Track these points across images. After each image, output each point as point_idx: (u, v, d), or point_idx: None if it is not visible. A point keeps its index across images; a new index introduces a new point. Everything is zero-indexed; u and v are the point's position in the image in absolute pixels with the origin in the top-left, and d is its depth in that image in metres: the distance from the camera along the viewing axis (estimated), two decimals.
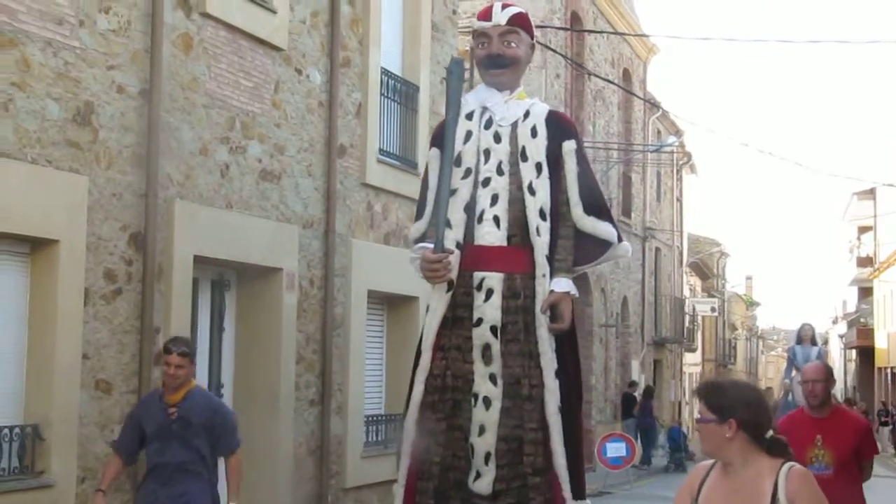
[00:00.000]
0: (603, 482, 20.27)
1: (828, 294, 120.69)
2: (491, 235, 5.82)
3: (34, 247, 7.91)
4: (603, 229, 5.97)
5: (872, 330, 49.68)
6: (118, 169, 8.53)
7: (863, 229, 51.81)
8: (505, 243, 5.82)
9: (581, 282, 25.41)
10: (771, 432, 4.17)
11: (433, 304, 5.89)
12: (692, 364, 46.87)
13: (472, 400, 5.74)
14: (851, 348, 58.72)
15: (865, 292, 53.73)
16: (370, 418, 12.59)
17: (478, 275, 5.81)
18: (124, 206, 8.60)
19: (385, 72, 12.84)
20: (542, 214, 5.80)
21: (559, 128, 6.02)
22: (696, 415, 4.30)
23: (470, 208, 5.84)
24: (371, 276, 12.12)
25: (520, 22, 6.09)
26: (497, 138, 5.94)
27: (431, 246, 5.75)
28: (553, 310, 5.78)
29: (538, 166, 5.86)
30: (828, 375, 7.33)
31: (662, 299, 35.82)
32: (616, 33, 27.15)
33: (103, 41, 8.41)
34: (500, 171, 5.87)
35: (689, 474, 4.42)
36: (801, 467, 4.14)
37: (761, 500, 4.02)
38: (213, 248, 9.62)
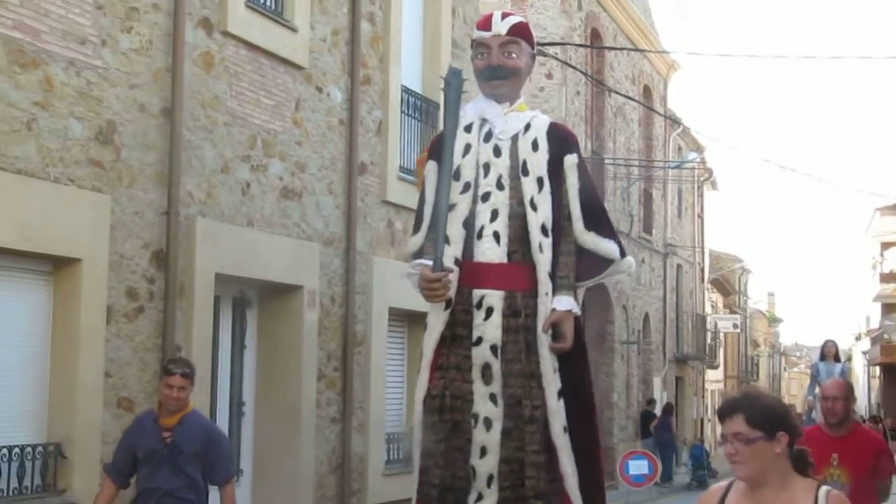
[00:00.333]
0: (625, 500, 20.20)
1: (851, 310, 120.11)
2: (491, 252, 5.66)
3: (57, 265, 7.94)
4: (604, 246, 5.82)
5: None
6: (140, 187, 8.56)
7: (886, 245, 51.48)
8: (505, 260, 5.66)
9: (602, 299, 25.51)
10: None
11: (431, 322, 5.74)
12: (714, 381, 46.64)
13: (472, 421, 5.58)
14: (875, 365, 58.27)
15: (889, 308, 53.34)
16: (391, 436, 12.57)
17: (477, 292, 5.65)
18: (146, 225, 8.63)
19: (405, 89, 12.87)
20: (544, 230, 5.65)
21: (560, 141, 5.87)
22: (727, 434, 3.76)
23: (469, 224, 5.69)
24: (392, 293, 12.12)
25: (520, 32, 5.94)
26: (497, 152, 5.78)
27: (430, 263, 5.60)
28: (555, 329, 5.61)
29: (539, 181, 5.70)
30: (848, 393, 7.14)
31: (684, 316, 35.68)
32: (636, 50, 27.14)
33: (125, 60, 8.46)
34: (500, 186, 5.71)
35: (700, 501, 3.99)
36: (837, 492, 3.81)
37: None
38: (234, 265, 9.64)
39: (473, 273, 5.65)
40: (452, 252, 5.62)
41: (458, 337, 5.67)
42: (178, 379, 6.82)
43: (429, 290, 5.57)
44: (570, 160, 5.82)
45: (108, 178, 8.23)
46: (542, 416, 5.53)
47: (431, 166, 5.92)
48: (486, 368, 5.57)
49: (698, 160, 35.54)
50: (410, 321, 13.10)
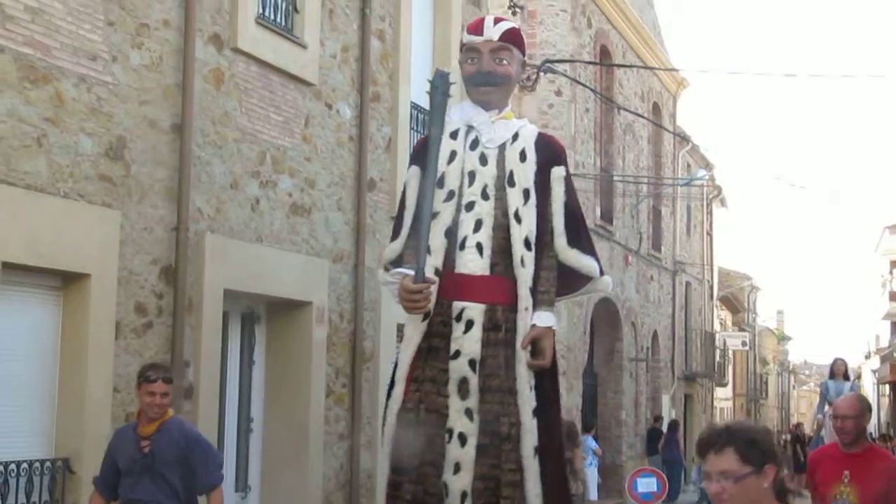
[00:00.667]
0: None
1: (860, 328, 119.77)
2: (473, 263, 5.48)
3: (66, 281, 7.95)
4: (586, 263, 5.70)
5: None
6: (150, 203, 8.58)
7: (895, 263, 51.39)
8: (487, 272, 5.49)
9: (611, 316, 25.49)
10: None
11: (408, 333, 5.59)
12: (723, 399, 46.54)
13: (447, 436, 5.39)
14: (884, 383, 58.06)
15: None
16: None
17: (457, 304, 5.48)
18: (155, 240, 8.64)
19: (415, 106, 12.89)
20: (527, 244, 5.49)
21: (549, 153, 5.73)
22: (712, 472, 3.48)
23: (452, 233, 5.52)
24: (400, 309, 12.04)
25: (512, 38, 5.78)
26: (483, 160, 5.61)
27: (410, 272, 5.42)
28: (534, 345, 5.46)
29: (525, 193, 5.55)
30: (861, 411, 6.74)
31: (693, 333, 35.61)
32: (646, 67, 27.16)
33: (136, 76, 8.48)
34: (485, 196, 5.54)
35: None
36: None
37: None
38: (243, 281, 9.65)
39: (454, 284, 5.49)
40: (433, 262, 5.46)
41: (435, 349, 5.50)
42: (160, 385, 6.66)
43: (409, 302, 5.42)
44: (558, 172, 5.69)
45: (117, 193, 8.25)
46: (517, 434, 5.40)
47: (414, 171, 5.76)
48: (463, 383, 5.40)
49: (707, 177, 35.53)
50: None
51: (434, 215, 5.46)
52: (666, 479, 21.69)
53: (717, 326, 43.65)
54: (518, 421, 5.39)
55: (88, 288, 7.93)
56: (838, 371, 14.69)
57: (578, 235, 5.71)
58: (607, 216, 24.84)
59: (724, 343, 44.10)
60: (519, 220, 5.50)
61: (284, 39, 10.39)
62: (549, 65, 20.38)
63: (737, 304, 51.33)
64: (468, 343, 5.42)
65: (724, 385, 45.95)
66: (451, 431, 5.39)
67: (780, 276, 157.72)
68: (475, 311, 5.45)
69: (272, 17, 10.37)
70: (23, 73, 7.43)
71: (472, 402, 5.40)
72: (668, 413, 30.20)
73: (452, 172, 5.58)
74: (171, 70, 8.85)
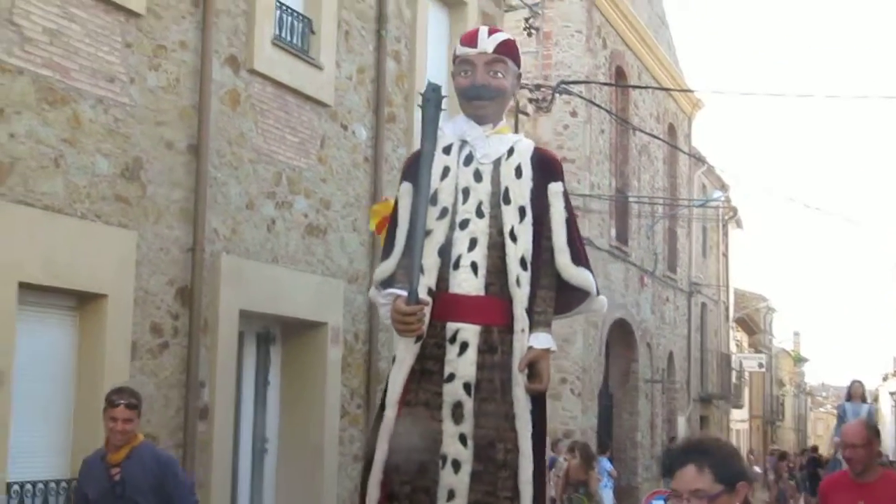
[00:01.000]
0: None
1: (878, 350, 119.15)
2: (467, 283, 5.24)
3: (82, 301, 7.98)
4: (588, 280, 5.46)
5: None
6: (166, 224, 8.61)
7: None
8: (482, 292, 5.25)
9: (627, 337, 25.42)
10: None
11: (399, 355, 5.35)
12: (739, 420, 46.32)
13: (440, 462, 5.15)
14: None
15: None
16: None
17: (451, 326, 5.23)
18: (171, 261, 8.67)
19: None
20: (522, 263, 5.26)
21: (545, 168, 5.50)
22: (682, 490, 3.29)
23: (445, 252, 5.27)
24: None
25: (507, 50, 5.55)
26: (478, 177, 5.38)
27: (403, 293, 5.18)
28: (531, 368, 5.23)
29: (521, 210, 5.32)
30: (869, 438, 6.44)
31: (709, 355, 35.49)
32: (661, 88, 27.16)
33: (153, 98, 8.53)
34: (479, 213, 5.31)
35: None
36: None
37: None
38: (258, 302, 9.66)
39: (448, 305, 5.25)
40: (426, 282, 5.22)
41: (428, 372, 5.26)
42: (122, 410, 6.33)
43: (402, 324, 5.18)
44: (556, 188, 5.46)
45: (133, 214, 8.28)
46: (514, 460, 5.18)
47: (406, 188, 5.51)
48: (458, 407, 5.16)
49: (723, 199, 35.46)
50: None
51: (427, 233, 5.24)
52: None
53: (733, 348, 43.50)
54: (515, 447, 5.19)
55: (105, 308, 7.96)
56: (856, 393, 14.63)
57: (579, 253, 5.50)
58: (623, 237, 24.82)
59: (740, 365, 43.93)
60: (514, 239, 5.29)
61: (300, 61, 10.43)
62: (564, 86, 20.39)
63: (753, 325, 51.15)
64: (462, 366, 5.20)
65: (741, 407, 45.74)
66: (444, 457, 5.16)
67: (796, 298, 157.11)
68: (470, 332, 5.23)
69: (288, 38, 10.41)
70: (41, 95, 7.48)
71: (467, 427, 5.17)
72: (683, 435, 30.07)
73: (446, 189, 5.37)
74: (188, 91, 8.90)
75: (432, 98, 5.39)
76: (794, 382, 71.80)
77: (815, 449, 34.39)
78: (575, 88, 20.71)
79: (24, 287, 7.30)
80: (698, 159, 33.07)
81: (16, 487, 7.36)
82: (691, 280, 32.45)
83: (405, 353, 5.31)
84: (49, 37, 7.56)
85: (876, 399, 53.65)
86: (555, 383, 21.33)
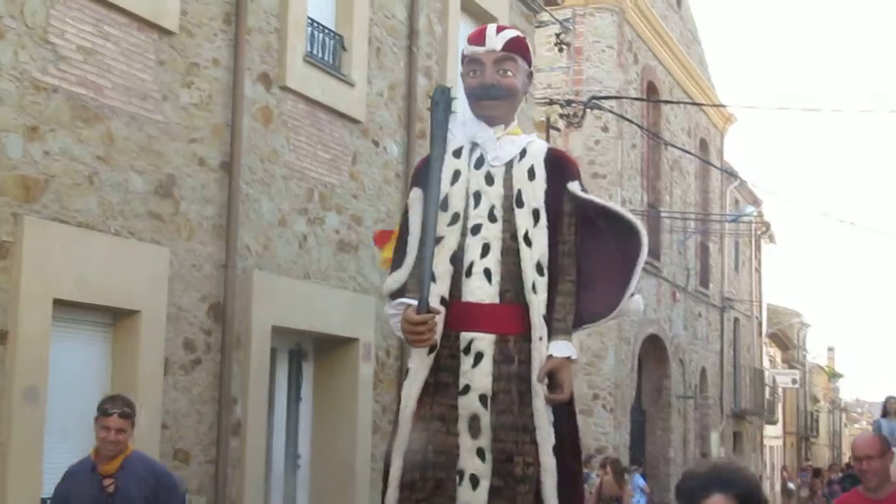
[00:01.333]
0: None
1: None
2: (481, 291, 5.01)
3: (116, 317, 8.02)
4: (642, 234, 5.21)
5: None
6: (198, 240, 8.65)
7: None
8: (497, 300, 5.02)
9: (659, 353, 25.33)
10: None
11: (413, 368, 5.10)
12: (773, 437, 46.01)
13: (457, 478, 4.93)
14: None
15: None
16: None
17: (465, 335, 5.00)
18: (204, 277, 8.70)
19: None
20: (538, 268, 5.01)
21: (560, 169, 5.22)
22: None
23: (457, 259, 5.04)
24: None
25: (517, 47, 5.28)
26: (489, 180, 5.14)
27: (413, 302, 4.97)
28: (551, 378, 4.96)
29: (535, 213, 5.06)
30: (883, 450, 6.08)
31: (742, 370, 35.28)
32: (692, 104, 27.09)
33: (185, 115, 8.57)
34: (492, 218, 5.07)
35: None
36: None
37: None
38: (290, 318, 9.68)
39: (461, 314, 5.01)
40: (438, 290, 4.99)
41: (442, 384, 5.01)
42: (115, 420, 6.06)
43: (413, 334, 4.93)
44: (575, 186, 5.18)
45: (166, 230, 8.32)
46: (534, 474, 4.91)
47: (416, 195, 5.26)
48: (474, 420, 4.93)
49: (755, 213, 35.31)
50: None
51: (438, 240, 5.02)
52: None
53: (766, 363, 43.23)
54: (535, 461, 4.92)
55: (138, 324, 8.00)
56: (891, 409, 14.46)
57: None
58: (655, 252, 24.72)
59: (774, 380, 43.66)
60: (529, 243, 5.02)
61: (332, 77, 10.47)
62: (595, 101, 20.38)
63: (786, 340, 50.84)
64: (478, 377, 4.95)
65: (774, 423, 45.45)
66: (461, 473, 4.93)
67: (830, 313, 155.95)
68: (485, 342, 4.98)
69: (320, 55, 10.45)
70: (75, 113, 7.53)
71: (484, 441, 4.93)
72: (716, 451, 29.89)
73: (456, 194, 5.13)
74: (220, 108, 8.94)
75: (441, 100, 5.23)
76: (828, 398, 71.26)
77: (849, 465, 34.11)
78: (606, 104, 20.69)
79: (59, 304, 7.34)
80: (730, 174, 32.92)
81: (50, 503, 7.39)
82: (724, 295, 32.29)
83: (418, 365, 5.08)
84: (83, 55, 7.62)
85: None
86: (587, 399, 21.27)
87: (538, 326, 4.97)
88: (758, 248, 39.99)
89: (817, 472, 32.98)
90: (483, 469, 4.91)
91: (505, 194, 5.10)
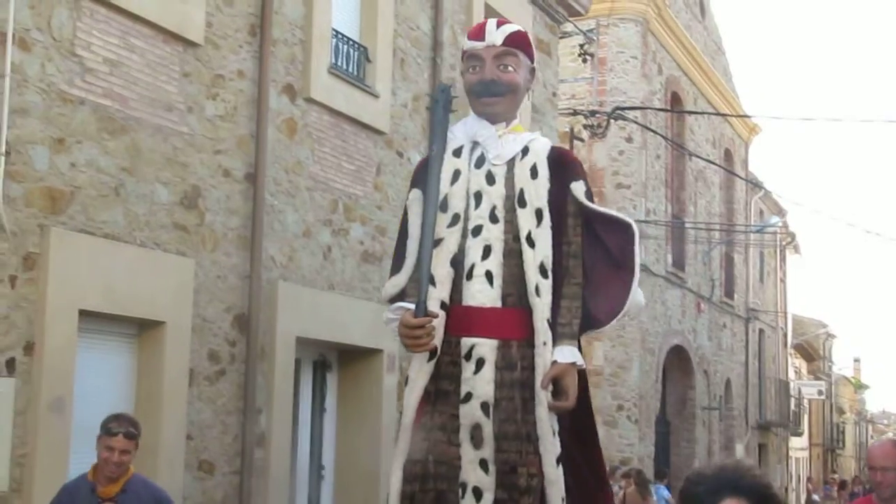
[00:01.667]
0: None
1: None
2: (482, 294, 4.81)
3: (141, 328, 8.05)
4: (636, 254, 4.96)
5: None
6: (223, 251, 8.67)
7: None
8: (499, 304, 4.82)
9: (684, 364, 25.26)
10: None
11: (412, 375, 4.92)
12: (799, 448, 45.76)
13: (460, 490, 4.74)
14: None
15: None
16: None
17: (466, 341, 4.81)
18: (229, 288, 8.72)
19: None
20: (542, 270, 4.79)
21: (564, 168, 5.02)
22: None
23: (458, 262, 4.86)
24: None
25: (518, 42, 5.11)
26: (490, 179, 4.94)
27: (412, 307, 4.81)
28: (555, 384, 4.75)
29: (538, 213, 4.86)
30: None
31: (767, 382, 35.13)
32: (717, 114, 27.02)
33: (210, 126, 8.61)
34: (493, 219, 4.87)
35: None
36: None
37: None
38: (315, 329, 9.69)
39: (462, 319, 4.83)
40: (438, 294, 4.80)
41: (443, 392, 4.83)
42: (120, 440, 5.86)
43: (411, 339, 4.77)
44: (578, 187, 4.96)
45: (192, 242, 8.35)
46: (538, 486, 4.69)
47: (415, 195, 5.10)
48: (476, 429, 4.72)
49: (780, 224, 35.18)
50: None
51: (437, 242, 4.84)
52: None
53: (791, 375, 43.02)
54: (539, 472, 4.69)
55: (163, 335, 8.02)
56: None
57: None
58: (679, 263, 24.66)
59: (799, 392, 43.44)
60: (532, 244, 4.82)
61: (356, 89, 10.49)
62: (619, 112, 20.36)
63: (812, 351, 50.57)
64: (480, 384, 4.74)
65: (800, 435, 45.21)
66: (464, 486, 4.74)
67: (856, 324, 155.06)
68: (486, 347, 4.78)
69: (344, 66, 10.48)
70: (101, 125, 7.57)
71: (487, 451, 4.73)
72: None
73: (457, 194, 4.94)
74: (245, 120, 8.98)
75: (441, 99, 5.05)
76: (854, 410, 70.86)
77: None
78: (630, 114, 20.67)
79: (85, 315, 7.37)
80: (755, 184, 32.82)
81: None
82: (749, 306, 32.17)
83: (417, 372, 4.90)
84: (109, 67, 7.66)
85: None
86: (611, 410, 21.22)
87: (542, 331, 4.78)
88: (783, 259, 39.83)
89: (843, 485, 32.74)
90: (486, 481, 4.72)
91: (507, 194, 4.92)
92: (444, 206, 4.91)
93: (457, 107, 5.10)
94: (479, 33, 5.13)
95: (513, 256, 4.84)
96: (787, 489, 39.31)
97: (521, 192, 4.90)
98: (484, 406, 4.73)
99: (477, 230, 4.88)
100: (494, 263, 4.83)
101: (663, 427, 24.75)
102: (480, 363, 4.77)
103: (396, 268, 5.14)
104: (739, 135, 31.31)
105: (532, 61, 5.21)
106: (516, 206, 4.88)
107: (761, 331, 34.50)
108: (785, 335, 40.24)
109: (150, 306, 7.92)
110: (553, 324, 4.80)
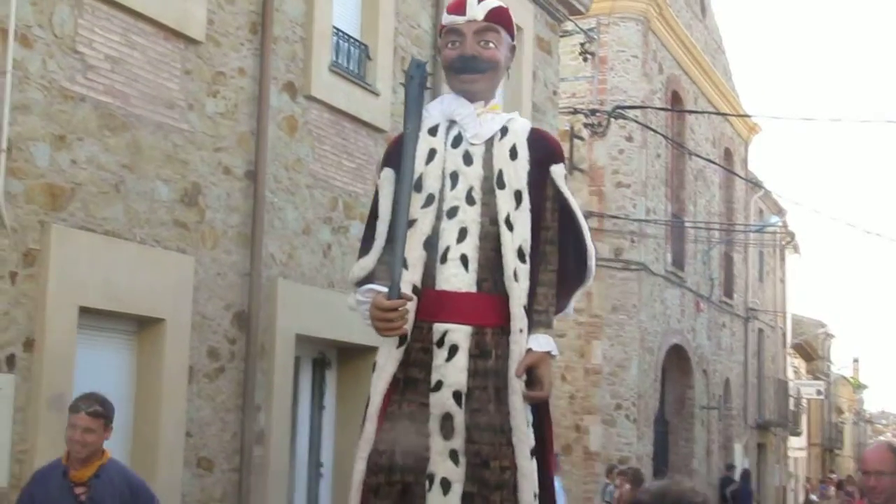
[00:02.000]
0: None
1: None
2: (457, 279, 4.59)
3: (141, 325, 8.06)
4: (593, 267, 4.87)
5: None
6: (223, 249, 8.68)
7: None
8: (474, 289, 4.60)
9: (683, 363, 25.27)
10: None
11: (380, 362, 4.71)
12: (797, 448, 45.79)
13: (427, 483, 4.50)
14: None
15: None
16: None
17: (439, 327, 4.59)
18: (228, 286, 8.73)
19: None
20: (520, 255, 4.59)
21: (544, 149, 4.83)
22: None
23: (431, 244, 4.64)
24: None
25: (500, 18, 4.88)
26: (467, 159, 4.72)
27: (384, 289, 4.57)
28: (530, 374, 4.56)
29: (517, 195, 4.65)
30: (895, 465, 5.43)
31: (766, 381, 35.14)
32: (717, 113, 27.03)
33: (211, 124, 8.61)
34: (470, 200, 4.65)
35: None
36: None
37: None
38: (314, 326, 9.70)
39: (435, 303, 4.60)
40: (410, 278, 4.59)
41: (412, 380, 4.61)
42: (83, 418, 5.63)
43: (383, 322, 4.52)
44: (558, 170, 4.79)
45: (192, 239, 8.36)
46: (511, 479, 4.50)
47: (387, 175, 4.83)
48: (447, 419, 4.50)
49: (780, 224, 35.19)
50: None
51: (410, 224, 4.63)
52: None
53: (790, 374, 43.04)
54: (512, 464, 4.51)
55: (163, 332, 8.03)
56: None
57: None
58: (678, 262, 24.67)
59: (798, 391, 43.47)
60: (510, 227, 4.61)
61: (357, 87, 10.50)
62: (619, 111, 20.37)
63: (811, 351, 50.59)
64: (452, 372, 4.52)
65: (798, 434, 45.23)
66: (432, 477, 4.50)
67: (855, 324, 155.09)
68: (460, 334, 4.56)
69: (345, 64, 10.49)
70: (102, 122, 7.58)
71: (458, 442, 4.50)
72: (740, 463, 29.74)
73: (431, 174, 4.70)
74: (246, 117, 8.98)
75: (416, 75, 4.81)
76: (853, 410, 70.91)
77: None
78: (630, 113, 20.68)
79: (85, 311, 7.38)
80: (755, 184, 32.83)
81: None
82: (748, 306, 32.18)
83: (386, 358, 4.67)
84: (110, 64, 7.67)
85: None
86: (610, 409, 21.23)
87: (518, 317, 4.58)
88: (782, 259, 39.85)
89: (840, 485, 32.74)
90: (456, 473, 4.50)
91: (484, 175, 4.70)
92: (418, 186, 4.69)
93: (429, 84, 4.91)
94: (459, 7, 4.89)
95: (489, 240, 4.63)
96: (785, 489, 39.33)
97: (500, 173, 4.70)
98: (456, 395, 4.53)
99: (452, 212, 4.66)
100: (470, 247, 4.62)
101: (662, 426, 24.76)
102: (453, 350, 4.57)
103: (365, 250, 4.94)
104: (739, 134, 31.31)
105: (513, 39, 5.01)
106: (495, 187, 4.68)
107: (760, 330, 34.51)
108: (784, 335, 40.26)
109: (150, 303, 7.93)
110: (529, 310, 4.62)
